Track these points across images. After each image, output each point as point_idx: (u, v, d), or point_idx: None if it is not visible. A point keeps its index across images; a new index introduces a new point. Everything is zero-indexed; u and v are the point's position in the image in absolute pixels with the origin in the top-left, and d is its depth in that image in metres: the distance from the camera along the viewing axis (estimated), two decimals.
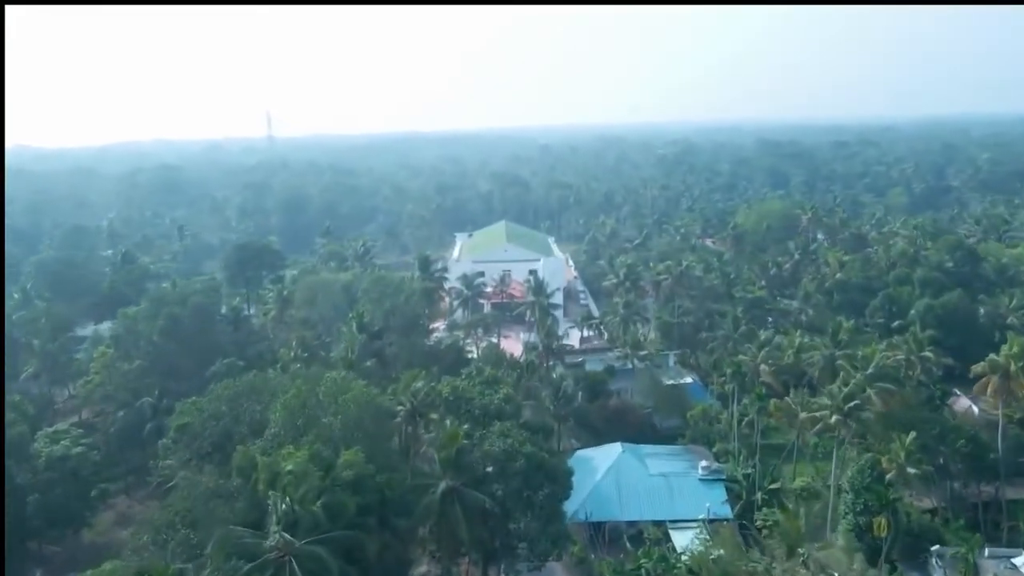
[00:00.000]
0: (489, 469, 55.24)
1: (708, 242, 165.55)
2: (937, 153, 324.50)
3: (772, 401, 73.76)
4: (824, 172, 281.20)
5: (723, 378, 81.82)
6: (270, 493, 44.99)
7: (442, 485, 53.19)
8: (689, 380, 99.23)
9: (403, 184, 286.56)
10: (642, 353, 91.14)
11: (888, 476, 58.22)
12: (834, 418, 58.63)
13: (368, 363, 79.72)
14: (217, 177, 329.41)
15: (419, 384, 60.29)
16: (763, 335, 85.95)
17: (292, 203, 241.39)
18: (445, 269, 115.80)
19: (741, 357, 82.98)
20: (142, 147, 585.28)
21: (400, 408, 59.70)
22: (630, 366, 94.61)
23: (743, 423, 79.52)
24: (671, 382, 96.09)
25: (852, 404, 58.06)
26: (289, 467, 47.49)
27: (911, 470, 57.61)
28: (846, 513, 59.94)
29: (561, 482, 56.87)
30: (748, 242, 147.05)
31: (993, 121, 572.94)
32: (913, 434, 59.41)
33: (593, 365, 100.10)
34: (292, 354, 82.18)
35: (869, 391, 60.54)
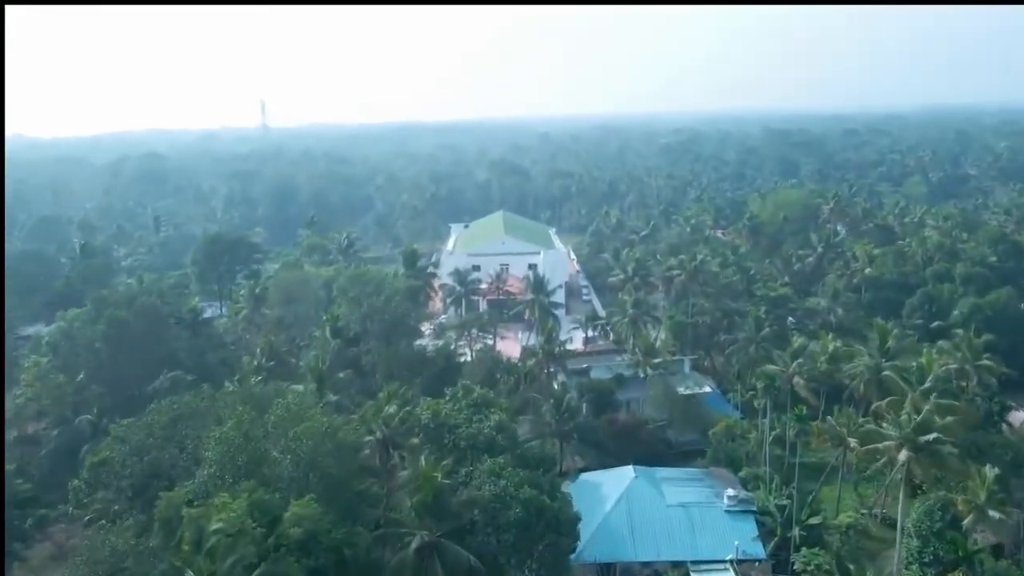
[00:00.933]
0: (476, 514, 44.78)
1: (719, 234, 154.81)
2: (951, 141, 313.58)
3: (815, 424, 63.08)
4: (837, 160, 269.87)
5: (752, 392, 70.91)
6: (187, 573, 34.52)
7: (417, 538, 42.75)
8: (707, 389, 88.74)
9: (397, 173, 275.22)
10: (656, 361, 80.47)
11: (965, 522, 47.67)
12: (904, 453, 47.83)
13: (342, 374, 69.37)
14: (207, 166, 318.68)
15: (392, 409, 49.63)
16: (796, 341, 75.11)
17: (281, 193, 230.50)
18: (436, 264, 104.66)
19: (771, 367, 72.30)
20: (137, 137, 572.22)
21: (369, 438, 49.10)
22: (641, 374, 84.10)
23: (770, 436, 69.00)
24: (687, 391, 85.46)
25: (930, 438, 47.10)
26: (218, 525, 37.07)
27: (994, 514, 47.01)
28: (910, 563, 49.59)
29: (566, 531, 46.43)
30: (764, 234, 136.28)
31: (1001, 109, 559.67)
32: (995, 470, 48.73)
33: (599, 372, 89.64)
34: (256, 363, 71.74)
35: (939, 419, 49.48)
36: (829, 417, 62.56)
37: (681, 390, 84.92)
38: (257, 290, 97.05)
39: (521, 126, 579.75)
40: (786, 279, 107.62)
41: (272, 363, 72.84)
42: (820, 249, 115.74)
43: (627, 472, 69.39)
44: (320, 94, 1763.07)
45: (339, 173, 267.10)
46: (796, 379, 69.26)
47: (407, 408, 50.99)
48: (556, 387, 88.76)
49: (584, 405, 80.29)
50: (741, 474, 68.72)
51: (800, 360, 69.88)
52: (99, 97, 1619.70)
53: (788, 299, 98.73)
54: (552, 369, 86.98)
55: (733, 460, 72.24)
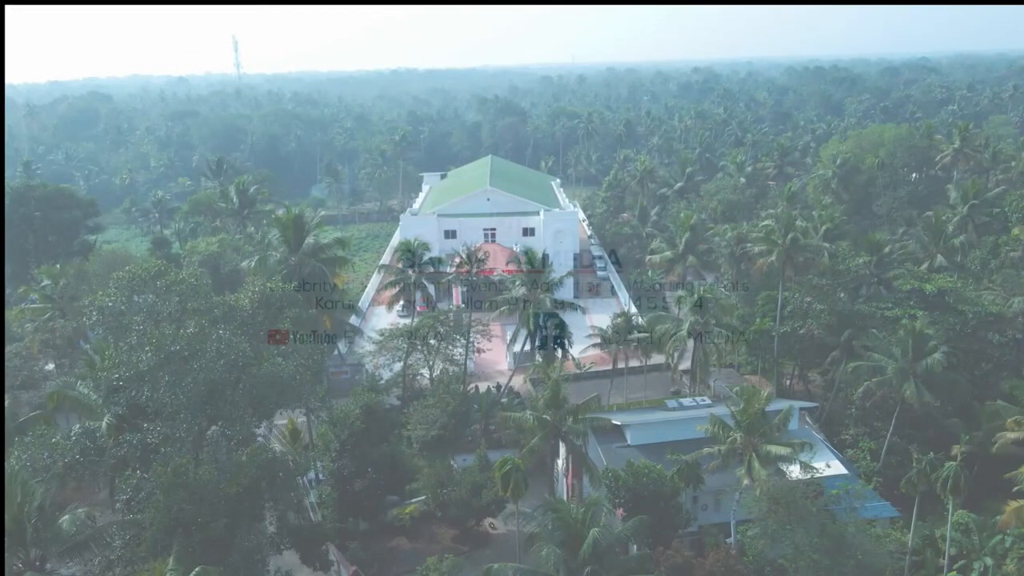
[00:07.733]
0: None
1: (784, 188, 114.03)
2: (1017, 77, 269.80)
3: None
4: (895, 98, 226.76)
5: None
6: None
7: None
8: (836, 466, 49.78)
9: (370, 116, 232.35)
10: (774, 451, 41.05)
11: None
12: None
13: (83, 510, 29.96)
14: (157, 108, 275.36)
15: None
16: None
17: (224, 137, 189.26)
18: (340, 243, 61.89)
19: None
20: (112, 83, 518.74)
21: None
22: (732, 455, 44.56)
23: None
24: (802, 471, 45.77)
25: None
26: None
27: None
28: None
29: None
30: (856, 185, 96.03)
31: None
32: None
33: (641, 435, 50.58)
34: None
35: None
36: None
37: (792, 472, 45.38)
38: (62, 282, 57.34)
39: (518, 73, 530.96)
40: (939, 258, 67.43)
41: None
42: (964, 210, 75.67)
43: None
44: (309, 42, 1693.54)
45: (299, 115, 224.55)
46: None
47: None
48: (562, 473, 49.90)
49: (619, 514, 41.84)
50: None
51: None
52: (88, 44, 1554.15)
53: (953, 296, 58.82)
54: (564, 428, 48.03)
55: None
